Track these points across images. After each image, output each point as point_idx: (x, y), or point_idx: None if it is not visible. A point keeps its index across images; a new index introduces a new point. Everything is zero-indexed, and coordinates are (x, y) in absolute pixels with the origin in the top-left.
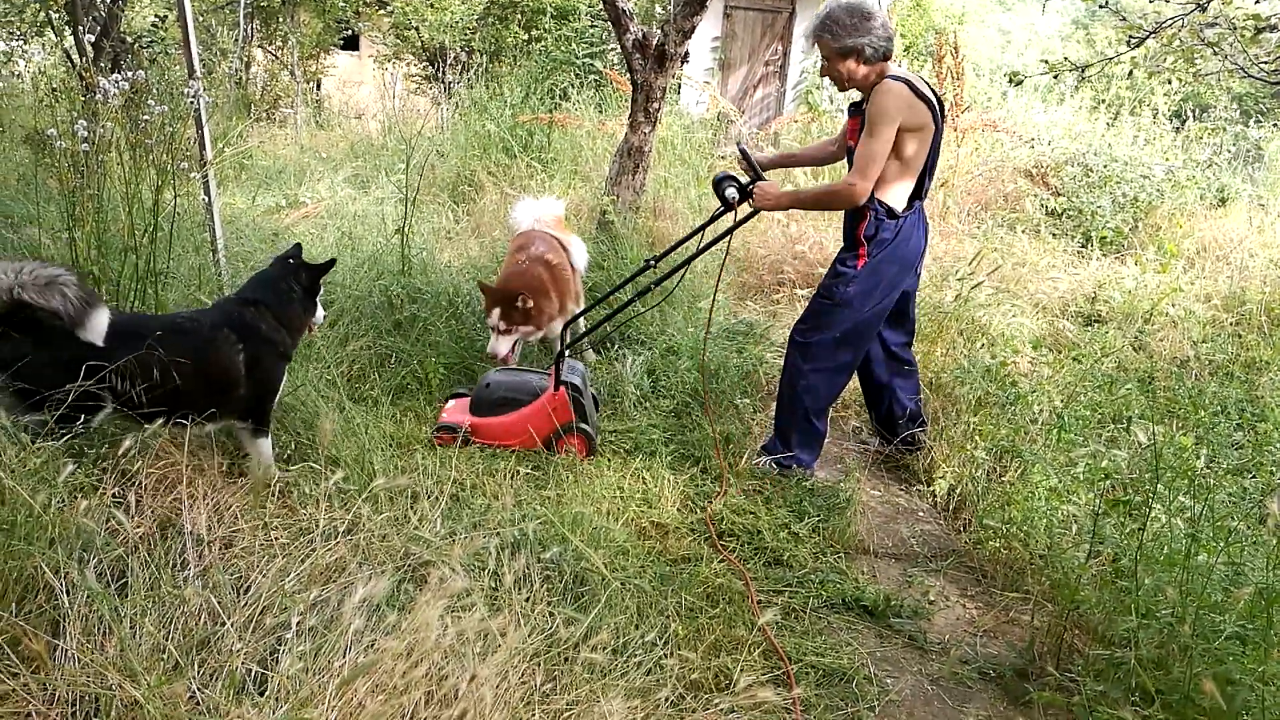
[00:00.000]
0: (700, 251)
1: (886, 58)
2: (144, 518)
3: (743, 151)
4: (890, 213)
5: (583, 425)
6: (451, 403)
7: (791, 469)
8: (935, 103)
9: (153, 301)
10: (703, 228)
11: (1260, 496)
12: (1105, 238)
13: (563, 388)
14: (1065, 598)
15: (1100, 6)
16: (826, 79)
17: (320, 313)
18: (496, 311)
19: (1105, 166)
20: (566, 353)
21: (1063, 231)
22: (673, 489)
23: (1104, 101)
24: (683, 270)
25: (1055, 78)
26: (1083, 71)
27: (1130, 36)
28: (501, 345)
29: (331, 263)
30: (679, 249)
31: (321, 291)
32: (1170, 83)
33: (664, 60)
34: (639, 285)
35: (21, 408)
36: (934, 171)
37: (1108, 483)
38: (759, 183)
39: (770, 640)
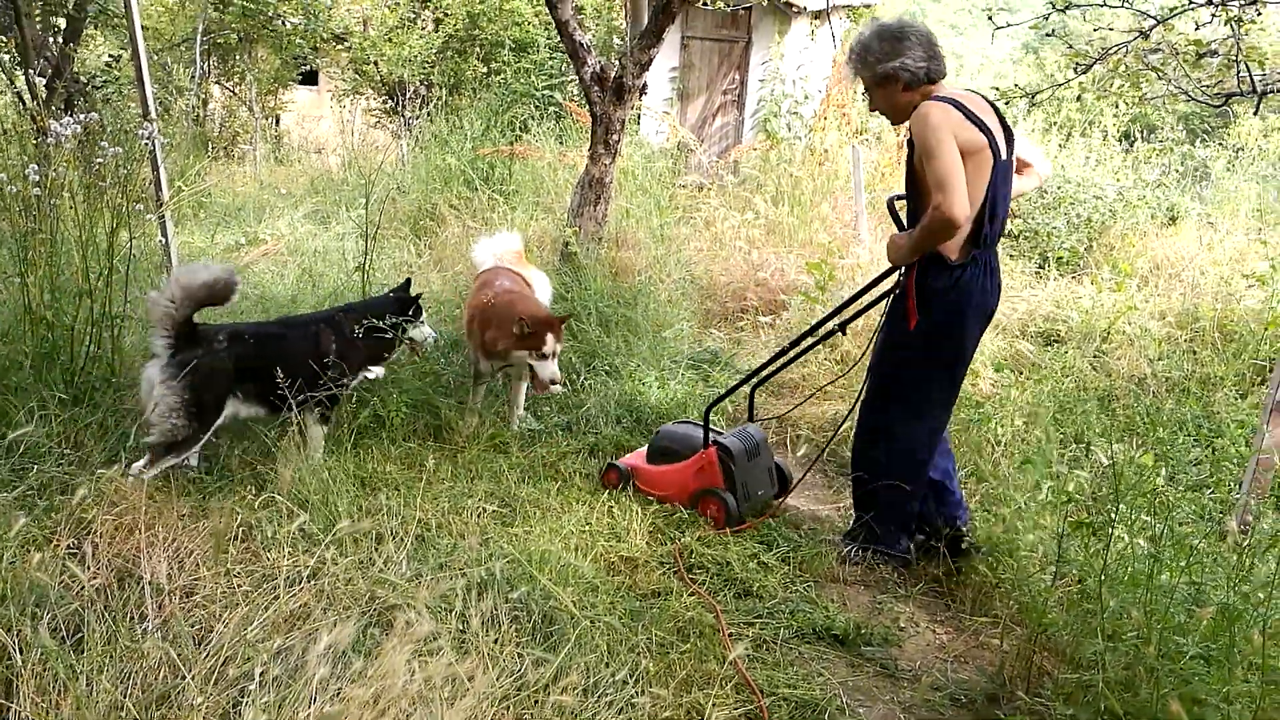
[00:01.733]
0: (871, 305)
1: (932, 80)
2: (101, 568)
3: (889, 204)
4: (939, 259)
5: (723, 493)
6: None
7: (889, 554)
8: (992, 130)
9: (109, 346)
10: (877, 280)
11: (1219, 512)
12: (1061, 258)
13: (714, 448)
14: (1033, 621)
15: (1047, 35)
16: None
17: (426, 333)
18: (551, 337)
19: (1059, 188)
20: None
21: (1020, 252)
22: (641, 521)
23: (1055, 124)
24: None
25: (1007, 103)
26: (1033, 98)
27: (1077, 64)
28: (556, 366)
29: (407, 282)
30: (848, 306)
31: (422, 314)
32: (1118, 105)
33: (622, 92)
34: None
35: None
36: (1000, 214)
37: (1071, 505)
38: (891, 235)
39: (742, 674)
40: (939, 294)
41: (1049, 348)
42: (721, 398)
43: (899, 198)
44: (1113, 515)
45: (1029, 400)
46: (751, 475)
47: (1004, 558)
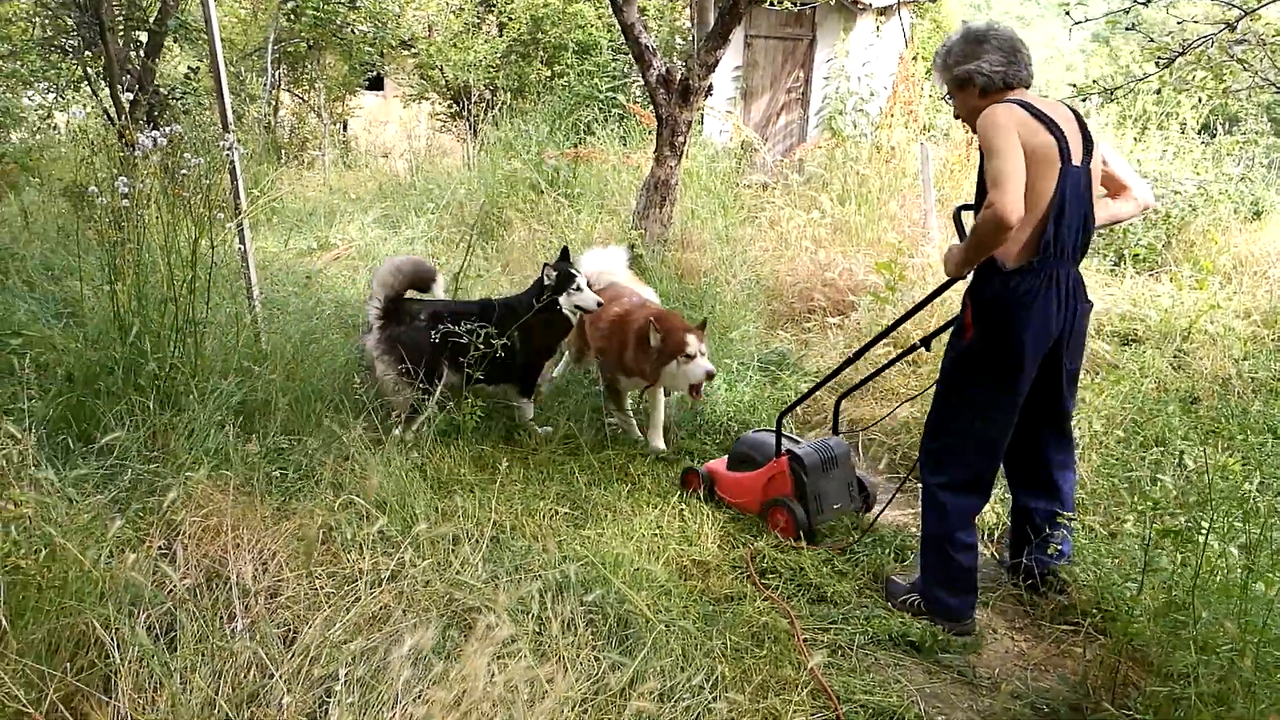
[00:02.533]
0: (951, 324)
1: (1010, 85)
2: (190, 569)
3: (955, 214)
4: (992, 265)
5: (792, 503)
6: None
7: (945, 616)
8: (1064, 133)
9: (192, 352)
10: (936, 293)
11: None
12: (1138, 255)
13: (786, 457)
14: (1118, 631)
15: (1127, 29)
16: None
17: (589, 298)
18: (693, 337)
19: None
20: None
21: (1094, 250)
22: (712, 525)
23: (1130, 116)
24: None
25: (1084, 99)
26: (1111, 94)
27: (1159, 58)
28: (706, 362)
29: (564, 253)
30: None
31: (575, 280)
32: (1200, 98)
33: (688, 94)
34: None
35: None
36: (1070, 222)
37: (1156, 511)
38: (950, 245)
39: (819, 681)
40: (991, 304)
41: (1126, 347)
42: (794, 405)
43: (966, 208)
44: (1203, 522)
45: (1107, 401)
46: (826, 487)
47: (1084, 565)
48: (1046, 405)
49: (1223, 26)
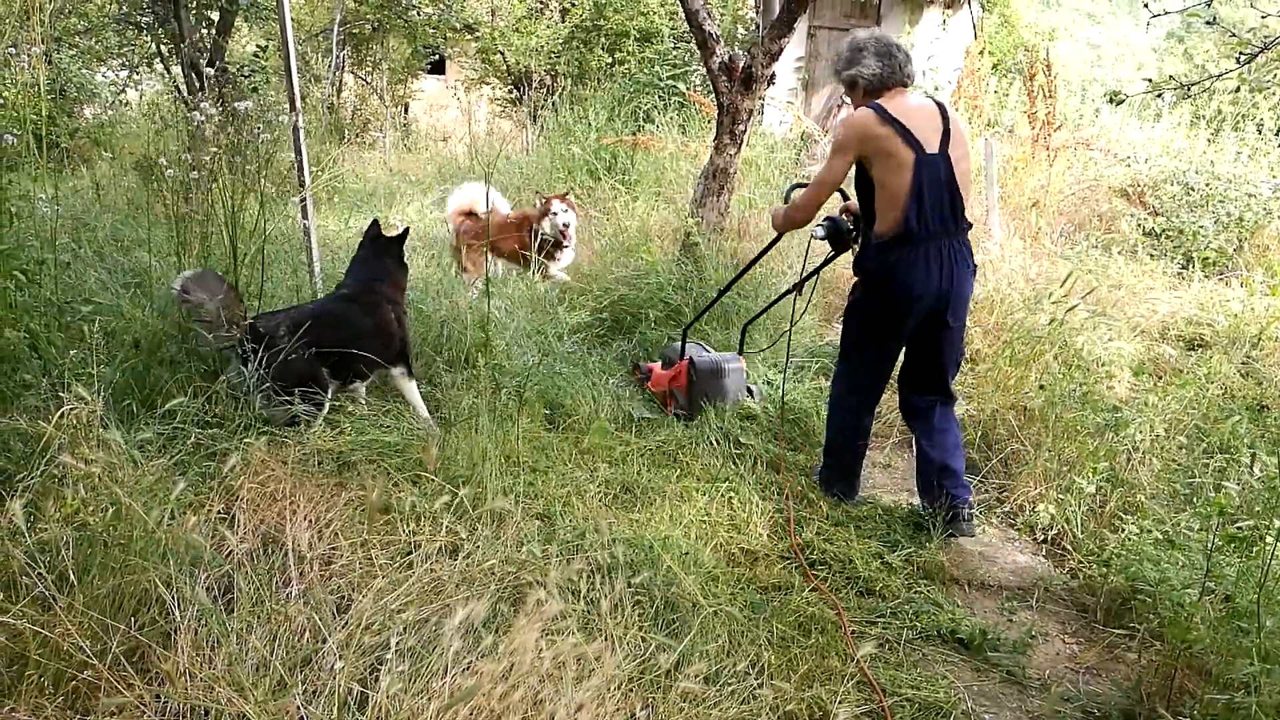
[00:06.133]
0: (817, 270)
1: (887, 85)
2: (247, 533)
3: (787, 191)
4: (870, 240)
5: (680, 393)
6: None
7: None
8: (911, 129)
9: None
10: (769, 246)
11: None
12: (1208, 259)
13: (688, 360)
14: (1175, 637)
15: (1208, 24)
16: None
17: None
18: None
19: (1207, 185)
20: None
21: (1161, 252)
22: (761, 515)
23: (1203, 117)
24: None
25: (1159, 96)
26: (1189, 89)
27: (1240, 54)
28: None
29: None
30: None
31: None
32: None
33: (750, 82)
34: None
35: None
36: (936, 204)
37: (1221, 519)
38: (774, 206)
39: (865, 673)
40: (869, 270)
41: (1192, 352)
42: (691, 322)
43: (797, 186)
44: (1269, 531)
45: (1170, 406)
46: (713, 388)
47: (1143, 570)
48: (925, 358)
49: None
